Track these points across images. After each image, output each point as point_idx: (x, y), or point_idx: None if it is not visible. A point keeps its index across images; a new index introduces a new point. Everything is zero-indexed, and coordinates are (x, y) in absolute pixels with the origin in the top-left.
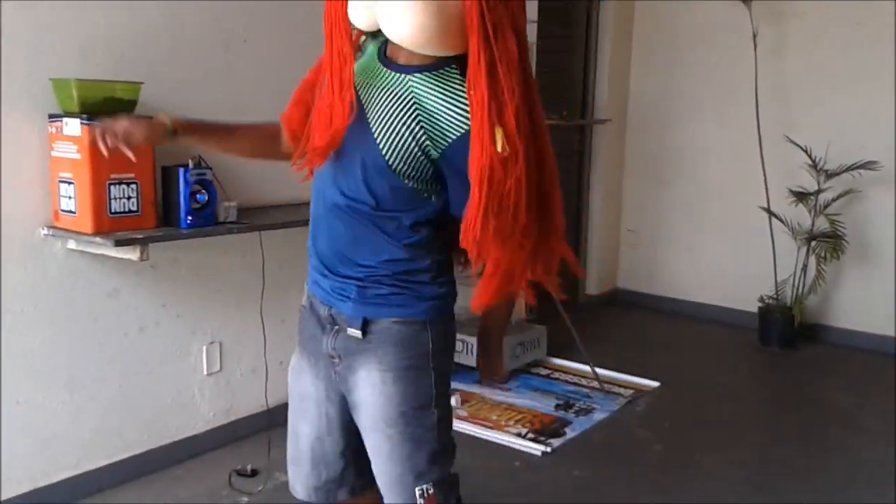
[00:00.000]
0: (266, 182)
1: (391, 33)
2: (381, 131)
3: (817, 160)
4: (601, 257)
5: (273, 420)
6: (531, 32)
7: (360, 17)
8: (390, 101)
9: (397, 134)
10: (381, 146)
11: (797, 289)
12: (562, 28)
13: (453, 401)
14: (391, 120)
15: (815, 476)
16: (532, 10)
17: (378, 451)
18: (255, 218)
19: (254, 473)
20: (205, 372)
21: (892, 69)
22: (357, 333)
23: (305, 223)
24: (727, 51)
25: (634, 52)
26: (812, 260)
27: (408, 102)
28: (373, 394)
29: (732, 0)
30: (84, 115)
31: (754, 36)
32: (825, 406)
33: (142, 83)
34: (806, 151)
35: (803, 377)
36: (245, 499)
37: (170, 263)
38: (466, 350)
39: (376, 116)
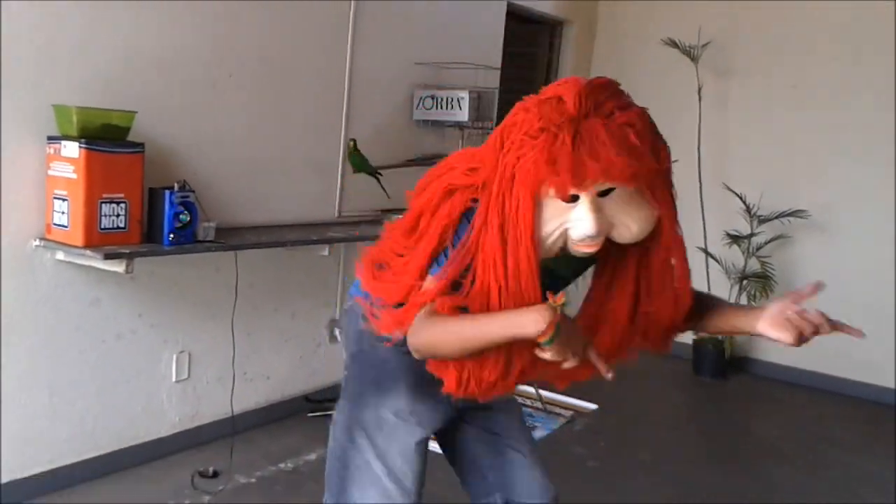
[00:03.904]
0: (243, 204)
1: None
2: None
3: (751, 207)
4: None
5: (237, 426)
6: (494, 79)
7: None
8: None
9: None
10: None
11: None
12: (525, 73)
13: None
14: None
15: (736, 498)
16: (496, 56)
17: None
18: (231, 237)
19: (215, 475)
20: (173, 379)
21: (824, 127)
22: None
23: (277, 244)
24: (675, 102)
25: None
26: (743, 297)
27: None
28: None
29: (683, 55)
30: (82, 140)
31: (699, 90)
32: (750, 433)
33: (136, 112)
34: (741, 198)
35: (731, 406)
36: (206, 498)
37: (148, 276)
38: None
39: None
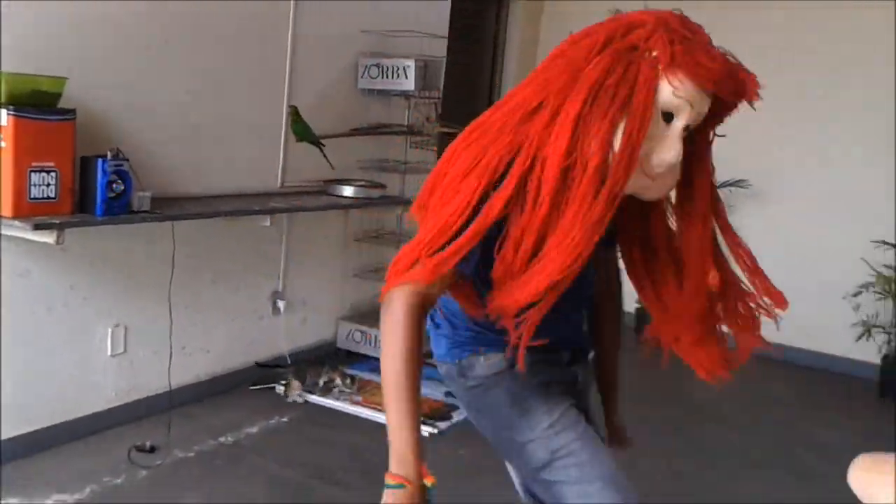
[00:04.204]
0: (180, 174)
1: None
2: None
3: None
4: None
5: (174, 401)
6: (441, 48)
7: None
8: None
9: None
10: None
11: None
12: (470, 44)
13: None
14: None
15: (674, 459)
16: (443, 25)
17: None
18: (167, 208)
19: (153, 450)
20: (109, 353)
21: (766, 97)
22: None
23: (215, 214)
24: None
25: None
26: None
27: None
28: None
29: None
30: (11, 107)
31: None
32: (685, 395)
33: (66, 78)
34: None
35: (668, 368)
36: (143, 472)
37: (80, 247)
38: (366, 341)
39: None
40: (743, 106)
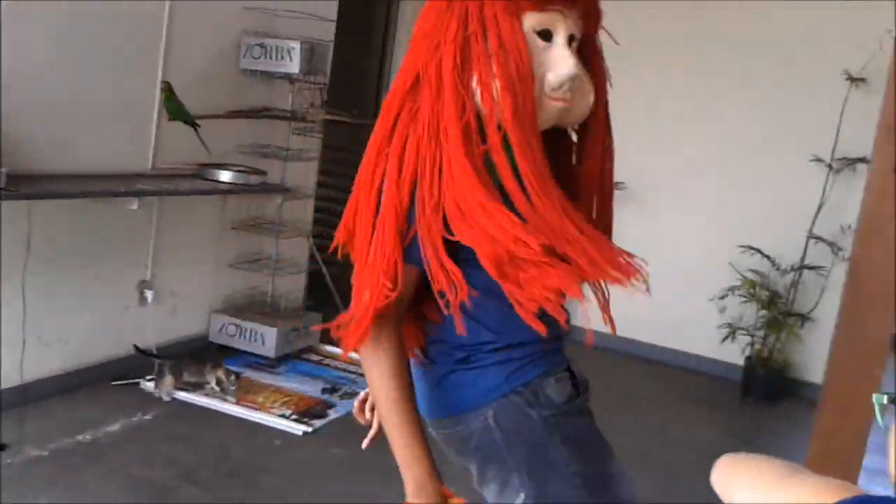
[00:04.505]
0: (40, 150)
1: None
2: None
3: None
4: None
5: (28, 395)
6: (329, 31)
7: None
8: None
9: None
10: None
11: None
12: (360, 26)
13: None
14: None
15: None
16: (331, 7)
17: None
18: (25, 186)
19: (3, 448)
20: None
21: (641, 100)
22: None
23: (76, 195)
24: None
25: None
26: None
27: None
28: None
29: None
30: None
31: None
32: None
33: None
34: None
35: None
36: None
37: None
38: (240, 334)
39: None
40: (619, 103)
